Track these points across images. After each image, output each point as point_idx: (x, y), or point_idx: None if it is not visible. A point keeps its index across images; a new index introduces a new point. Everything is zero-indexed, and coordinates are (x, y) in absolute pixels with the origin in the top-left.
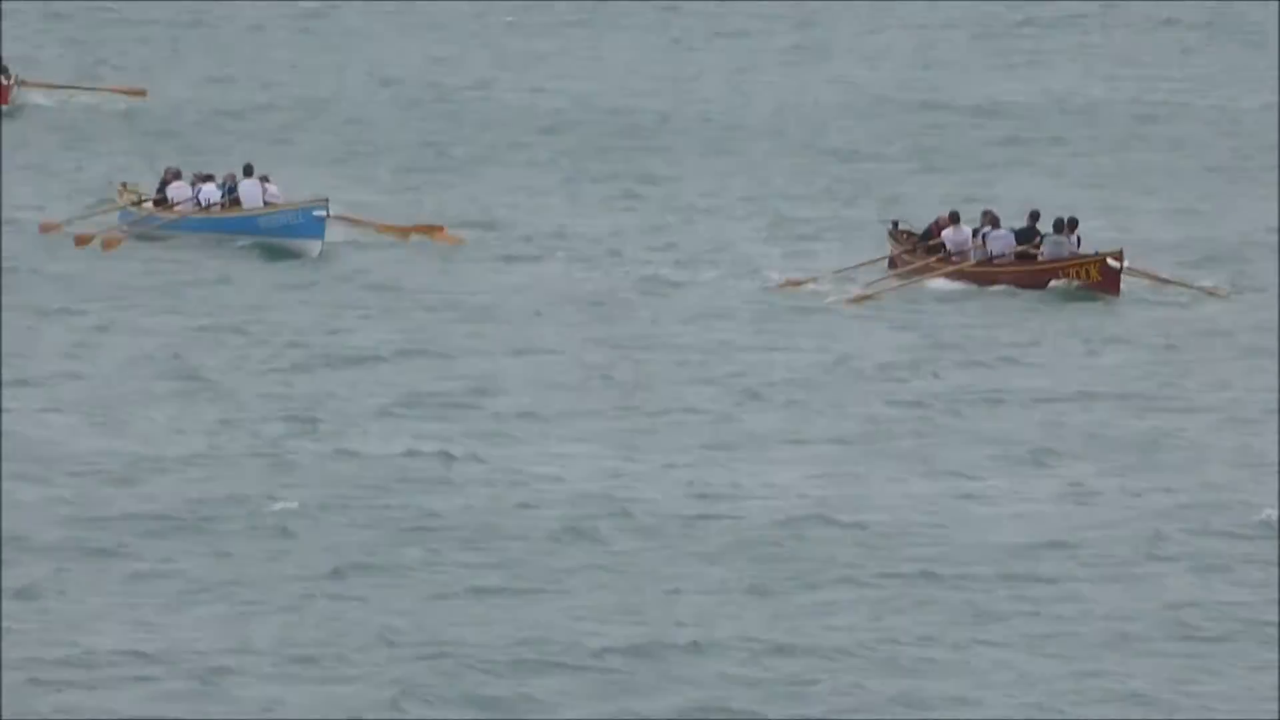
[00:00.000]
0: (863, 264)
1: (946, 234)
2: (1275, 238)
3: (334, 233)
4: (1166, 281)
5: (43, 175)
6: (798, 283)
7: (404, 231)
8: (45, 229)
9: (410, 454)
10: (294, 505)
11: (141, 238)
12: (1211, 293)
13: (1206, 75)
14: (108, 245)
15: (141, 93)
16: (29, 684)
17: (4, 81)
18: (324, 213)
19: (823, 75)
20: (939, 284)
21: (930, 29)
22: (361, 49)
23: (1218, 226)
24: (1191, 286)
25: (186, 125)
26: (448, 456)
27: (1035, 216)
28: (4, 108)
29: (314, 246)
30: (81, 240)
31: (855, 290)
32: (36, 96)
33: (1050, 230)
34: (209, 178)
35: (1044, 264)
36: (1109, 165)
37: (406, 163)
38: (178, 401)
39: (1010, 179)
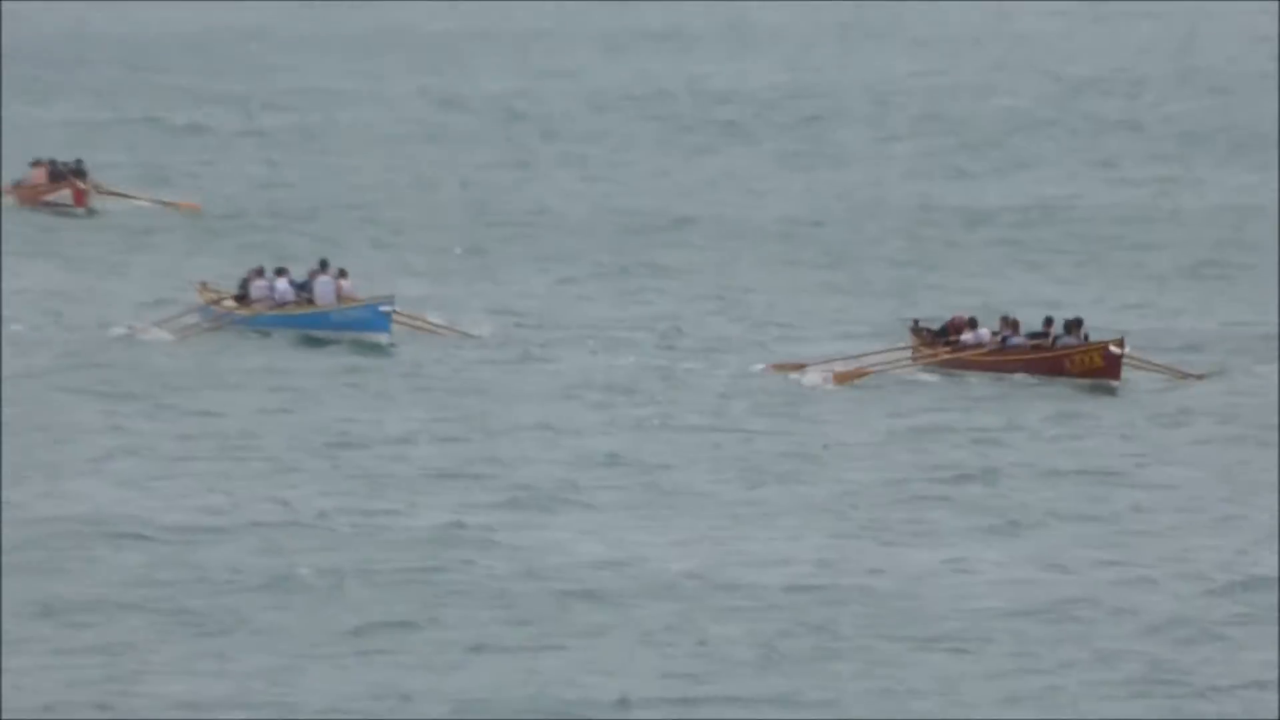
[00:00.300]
0: (879, 352)
1: (966, 337)
2: (1247, 329)
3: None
4: (1158, 367)
5: (117, 274)
6: (799, 366)
7: (440, 329)
8: (134, 332)
9: (442, 524)
10: (335, 569)
11: (219, 333)
12: (1199, 377)
13: (1182, 178)
14: (183, 337)
15: (196, 207)
16: None
17: (81, 186)
18: (390, 308)
19: (827, 180)
20: (935, 371)
21: (928, 136)
22: (405, 155)
23: (1193, 318)
24: (1180, 372)
25: (244, 227)
26: (476, 527)
27: (1049, 322)
28: (80, 210)
29: (382, 338)
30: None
31: (841, 367)
32: (108, 202)
33: (1061, 331)
34: (283, 272)
35: (1054, 352)
36: (1090, 262)
37: (444, 259)
38: (233, 476)
39: (1001, 276)
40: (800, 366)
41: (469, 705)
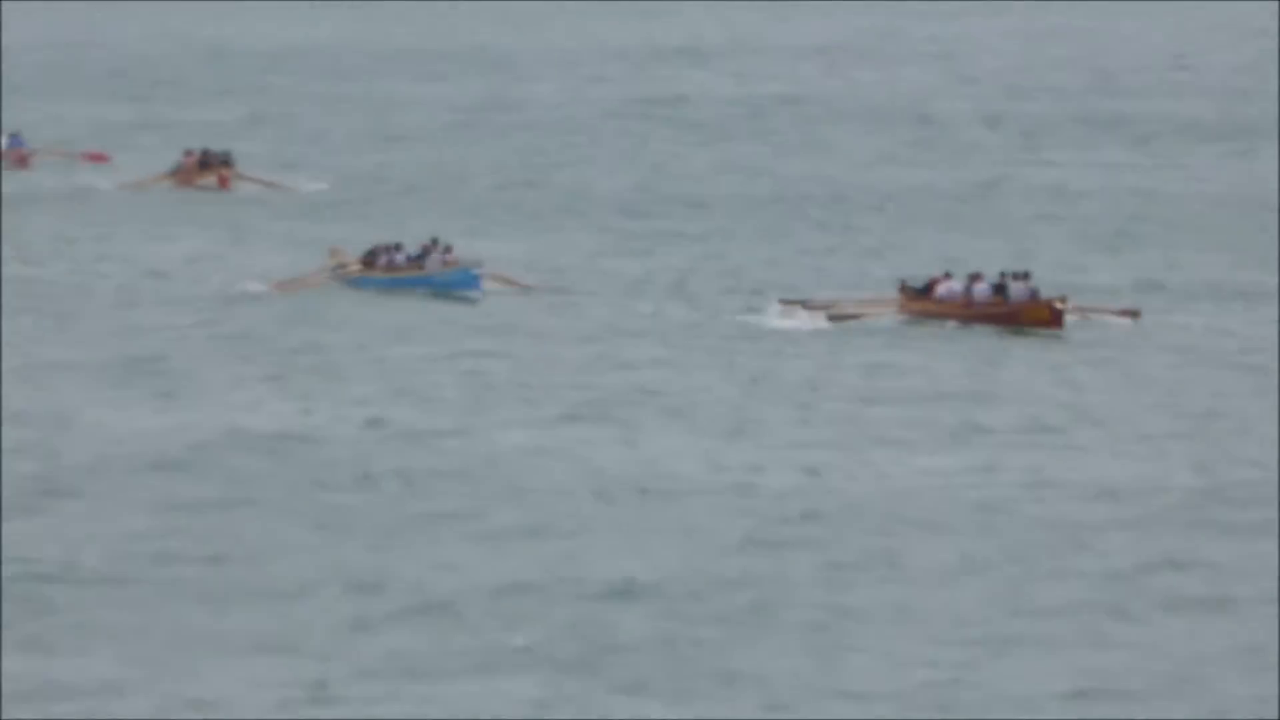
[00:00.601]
0: (869, 302)
1: (940, 289)
2: (1156, 285)
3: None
4: (1096, 310)
5: (252, 243)
6: (799, 304)
7: (523, 284)
8: (278, 287)
9: (495, 437)
10: (408, 471)
11: (344, 289)
12: (1132, 314)
13: (1097, 162)
14: (305, 290)
15: (319, 189)
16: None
17: (225, 172)
18: (480, 270)
19: (815, 165)
20: (915, 320)
21: (893, 131)
22: (471, 147)
23: (1110, 275)
24: (1114, 310)
25: (353, 205)
26: (524, 439)
27: (1004, 275)
28: (225, 192)
29: (474, 295)
30: (286, 288)
31: (834, 311)
32: (246, 186)
33: (1011, 281)
34: (400, 246)
35: (1010, 306)
36: (1028, 230)
37: (507, 227)
38: (327, 397)
39: (954, 240)
40: (800, 304)
41: (514, 580)
